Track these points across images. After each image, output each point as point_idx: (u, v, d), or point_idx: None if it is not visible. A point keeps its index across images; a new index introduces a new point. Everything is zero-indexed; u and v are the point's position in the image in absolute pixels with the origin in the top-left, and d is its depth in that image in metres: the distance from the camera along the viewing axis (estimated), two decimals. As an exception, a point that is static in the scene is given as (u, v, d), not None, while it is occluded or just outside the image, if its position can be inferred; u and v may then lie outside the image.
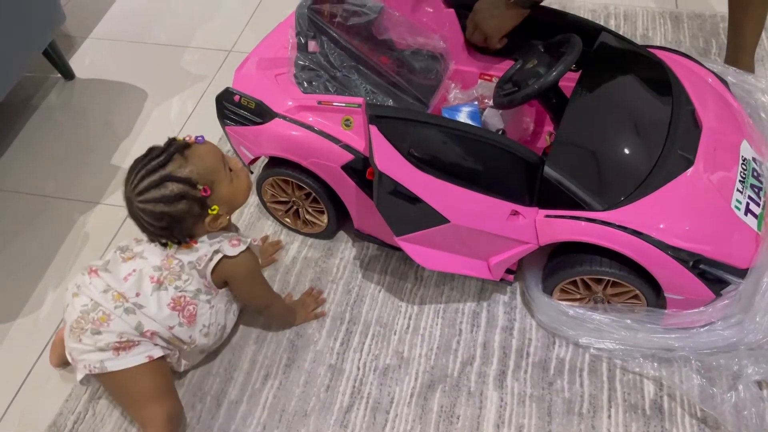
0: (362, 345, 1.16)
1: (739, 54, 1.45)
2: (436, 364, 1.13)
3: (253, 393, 1.11)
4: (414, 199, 1.01)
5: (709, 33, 1.68)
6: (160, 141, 0.99)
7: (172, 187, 0.93)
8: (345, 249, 1.32)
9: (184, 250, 1.00)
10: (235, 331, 1.19)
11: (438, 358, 1.13)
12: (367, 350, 1.15)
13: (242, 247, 1.00)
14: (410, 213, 1.03)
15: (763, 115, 1.22)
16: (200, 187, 0.94)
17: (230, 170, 1.01)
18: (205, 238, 1.01)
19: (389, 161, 0.98)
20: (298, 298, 1.22)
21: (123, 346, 0.96)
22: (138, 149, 1.57)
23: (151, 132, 1.64)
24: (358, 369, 1.13)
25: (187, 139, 0.98)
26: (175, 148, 0.95)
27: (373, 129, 0.96)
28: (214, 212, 0.97)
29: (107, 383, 1.02)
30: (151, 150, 0.97)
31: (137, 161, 0.96)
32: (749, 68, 1.46)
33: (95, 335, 0.95)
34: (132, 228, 1.01)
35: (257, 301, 1.12)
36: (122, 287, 0.97)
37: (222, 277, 1.02)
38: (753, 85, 1.27)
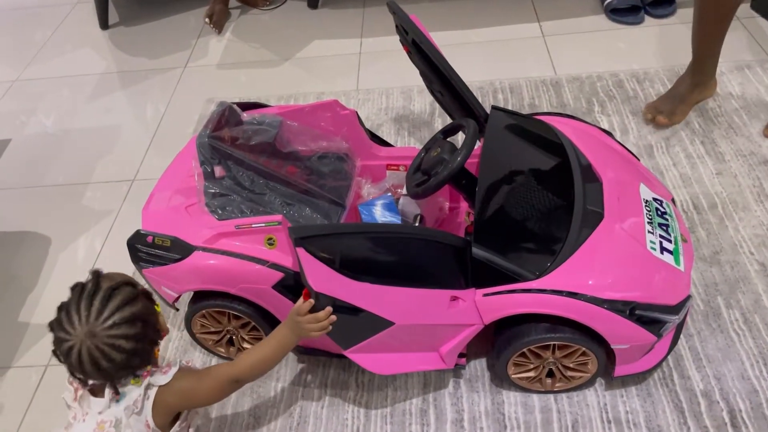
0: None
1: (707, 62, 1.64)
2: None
3: None
4: (356, 310, 1.00)
5: (588, 93, 1.81)
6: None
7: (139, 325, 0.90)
8: (280, 368, 1.27)
9: (113, 404, 0.92)
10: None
11: (393, 470, 1.09)
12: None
13: (174, 369, 0.95)
14: (355, 324, 1.02)
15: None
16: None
17: None
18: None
19: (323, 279, 0.97)
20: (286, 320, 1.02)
21: None
22: (48, 299, 1.49)
23: (59, 279, 1.54)
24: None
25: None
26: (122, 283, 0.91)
27: (301, 251, 0.95)
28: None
29: None
30: (81, 286, 0.89)
31: (79, 296, 0.88)
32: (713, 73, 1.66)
33: None
34: (49, 391, 0.90)
35: (221, 394, 1.00)
36: None
37: (166, 410, 0.94)
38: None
